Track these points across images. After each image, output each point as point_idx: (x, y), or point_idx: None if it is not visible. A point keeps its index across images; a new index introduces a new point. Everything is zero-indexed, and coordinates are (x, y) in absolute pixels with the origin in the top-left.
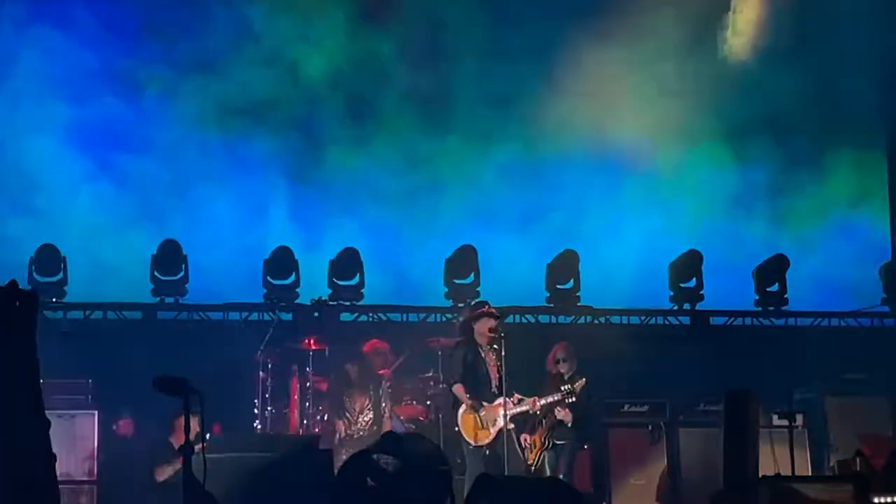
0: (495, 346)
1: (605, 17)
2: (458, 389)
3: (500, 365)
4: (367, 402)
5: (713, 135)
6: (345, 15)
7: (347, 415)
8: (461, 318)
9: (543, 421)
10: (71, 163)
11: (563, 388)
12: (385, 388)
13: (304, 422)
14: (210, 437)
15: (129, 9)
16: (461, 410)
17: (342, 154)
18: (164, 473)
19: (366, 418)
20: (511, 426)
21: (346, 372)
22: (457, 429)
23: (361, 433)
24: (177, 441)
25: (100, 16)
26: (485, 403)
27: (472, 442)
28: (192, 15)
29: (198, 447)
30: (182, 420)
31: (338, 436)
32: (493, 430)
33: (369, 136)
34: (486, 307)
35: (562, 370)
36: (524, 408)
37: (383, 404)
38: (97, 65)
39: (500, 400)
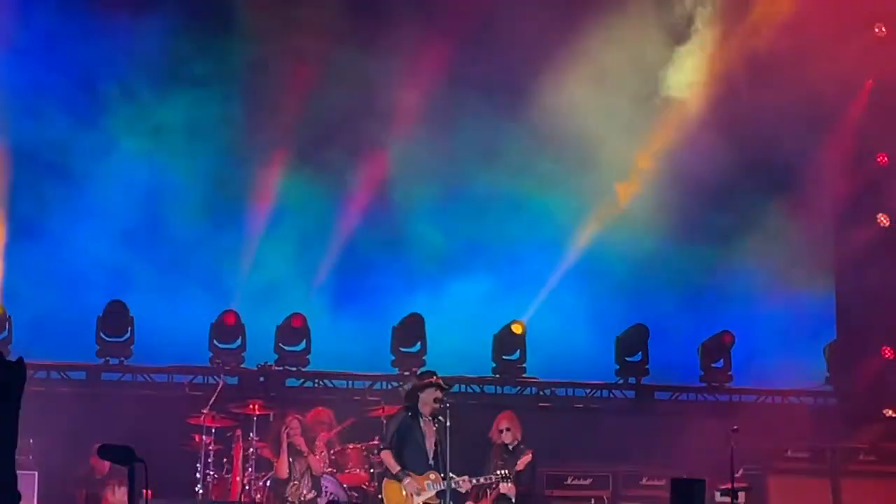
0: (440, 417)
1: None
2: (386, 456)
3: (442, 438)
4: (305, 466)
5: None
6: None
7: (288, 480)
8: (407, 387)
9: (488, 491)
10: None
11: (498, 472)
12: (322, 453)
13: (248, 487)
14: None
15: None
16: (385, 480)
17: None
18: None
19: (305, 483)
20: (437, 501)
21: (281, 436)
22: (380, 496)
23: (302, 499)
24: None
25: None
26: (411, 474)
27: None
28: None
29: None
30: (106, 486)
31: (279, 502)
32: (416, 503)
33: None
34: (434, 377)
35: (506, 440)
36: (454, 486)
37: (321, 469)
38: None
39: (431, 473)
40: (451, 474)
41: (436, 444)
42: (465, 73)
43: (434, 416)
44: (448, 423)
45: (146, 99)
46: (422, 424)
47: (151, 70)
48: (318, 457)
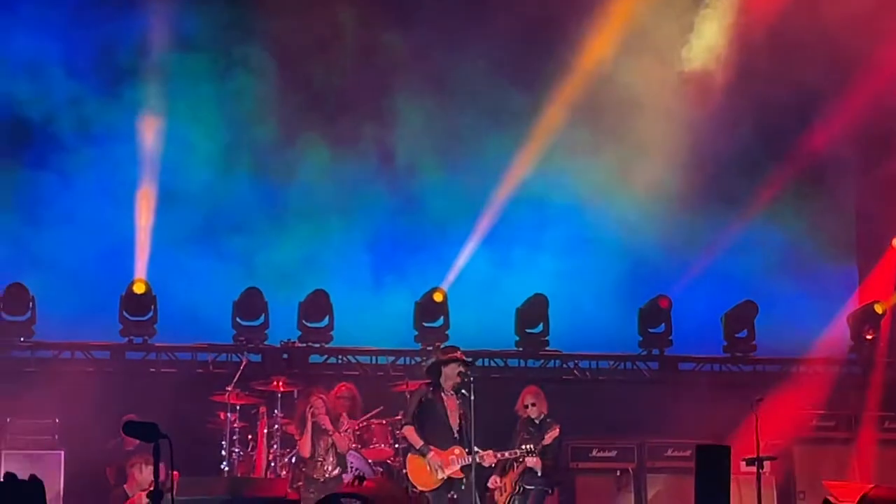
0: (463, 391)
1: None
2: (408, 432)
3: (465, 412)
4: (329, 443)
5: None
6: None
7: (313, 457)
8: (430, 362)
9: (515, 464)
10: None
11: (523, 447)
12: (345, 429)
13: (272, 464)
14: (177, 481)
15: None
16: (409, 455)
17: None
18: None
19: (330, 460)
20: (461, 475)
21: (306, 415)
22: (404, 471)
23: (327, 476)
24: (130, 488)
25: None
26: (435, 448)
27: (417, 487)
28: None
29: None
30: (133, 465)
31: (304, 479)
32: (440, 477)
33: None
34: (457, 352)
35: (532, 415)
36: (478, 461)
37: (346, 446)
38: None
39: (456, 447)
40: (475, 448)
41: (460, 419)
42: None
43: (457, 390)
44: (472, 398)
45: (170, 65)
46: (444, 399)
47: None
48: (342, 434)
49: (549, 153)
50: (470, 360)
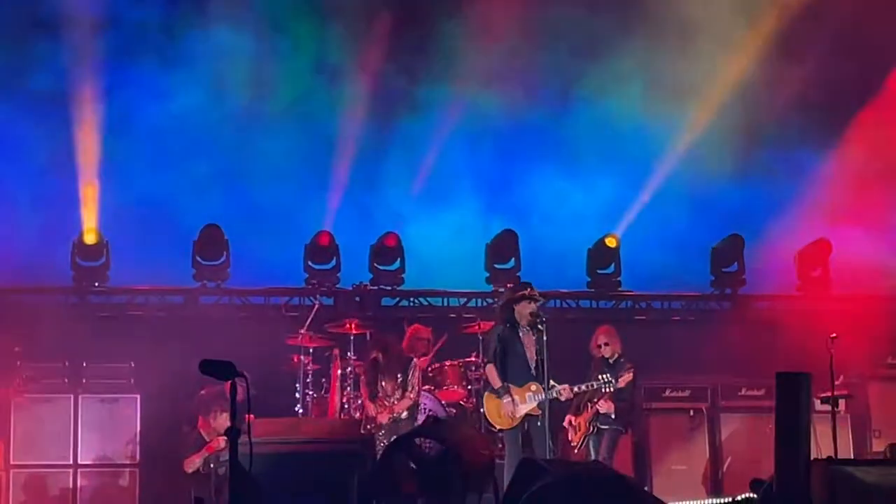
0: (539, 326)
1: None
2: (490, 370)
3: (540, 348)
4: (397, 384)
5: None
6: None
7: (382, 398)
8: (502, 300)
9: (589, 404)
10: None
11: (601, 377)
12: (417, 370)
13: (346, 406)
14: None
15: None
16: (486, 393)
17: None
18: (193, 465)
19: (401, 402)
20: (538, 412)
21: (374, 357)
22: (482, 410)
23: (398, 416)
24: (205, 431)
25: None
26: (512, 387)
27: (495, 426)
28: None
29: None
30: (209, 412)
31: (375, 420)
32: (518, 415)
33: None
34: (529, 290)
35: (605, 354)
36: (555, 395)
37: (415, 387)
38: None
39: (532, 384)
40: (552, 383)
41: (537, 354)
42: None
43: (531, 326)
44: (546, 337)
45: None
46: (521, 335)
47: None
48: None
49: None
50: (540, 297)
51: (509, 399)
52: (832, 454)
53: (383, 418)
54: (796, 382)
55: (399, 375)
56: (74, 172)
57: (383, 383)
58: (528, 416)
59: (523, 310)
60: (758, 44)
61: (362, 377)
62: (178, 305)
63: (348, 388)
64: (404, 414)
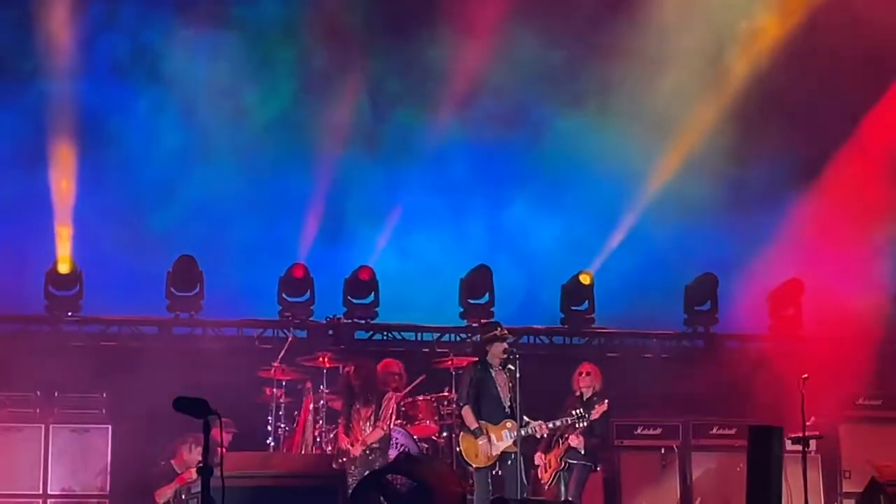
0: (510, 366)
1: None
2: (466, 412)
3: (513, 385)
4: (370, 412)
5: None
6: None
7: (356, 425)
8: (475, 341)
9: (560, 440)
10: None
11: (574, 412)
12: (391, 402)
13: (318, 440)
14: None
15: None
16: (462, 434)
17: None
18: (164, 496)
19: (373, 432)
20: (515, 448)
21: (348, 381)
22: (458, 449)
23: (370, 446)
24: (178, 464)
25: None
26: (488, 426)
27: (471, 465)
28: None
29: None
30: (184, 444)
31: (348, 453)
32: (493, 454)
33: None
34: (499, 329)
35: (583, 385)
36: (530, 432)
37: (388, 419)
38: None
39: (508, 421)
40: (526, 419)
41: (510, 392)
42: None
43: (503, 365)
44: (518, 374)
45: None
46: (494, 375)
47: None
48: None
49: None
50: (511, 336)
51: (485, 439)
52: (803, 495)
53: (356, 451)
54: (769, 435)
55: (373, 403)
56: (49, 205)
57: (357, 406)
58: (503, 452)
59: (496, 350)
60: (734, 85)
61: (340, 403)
62: (151, 336)
63: (321, 422)
64: (375, 444)
